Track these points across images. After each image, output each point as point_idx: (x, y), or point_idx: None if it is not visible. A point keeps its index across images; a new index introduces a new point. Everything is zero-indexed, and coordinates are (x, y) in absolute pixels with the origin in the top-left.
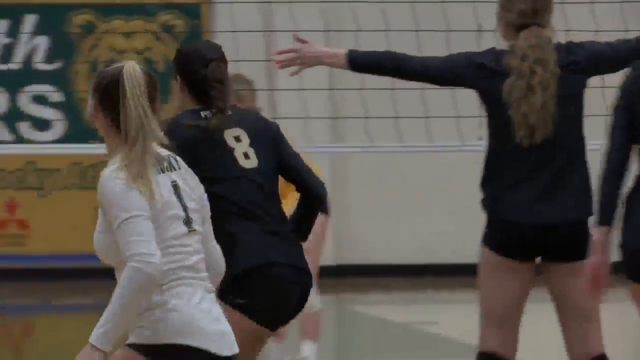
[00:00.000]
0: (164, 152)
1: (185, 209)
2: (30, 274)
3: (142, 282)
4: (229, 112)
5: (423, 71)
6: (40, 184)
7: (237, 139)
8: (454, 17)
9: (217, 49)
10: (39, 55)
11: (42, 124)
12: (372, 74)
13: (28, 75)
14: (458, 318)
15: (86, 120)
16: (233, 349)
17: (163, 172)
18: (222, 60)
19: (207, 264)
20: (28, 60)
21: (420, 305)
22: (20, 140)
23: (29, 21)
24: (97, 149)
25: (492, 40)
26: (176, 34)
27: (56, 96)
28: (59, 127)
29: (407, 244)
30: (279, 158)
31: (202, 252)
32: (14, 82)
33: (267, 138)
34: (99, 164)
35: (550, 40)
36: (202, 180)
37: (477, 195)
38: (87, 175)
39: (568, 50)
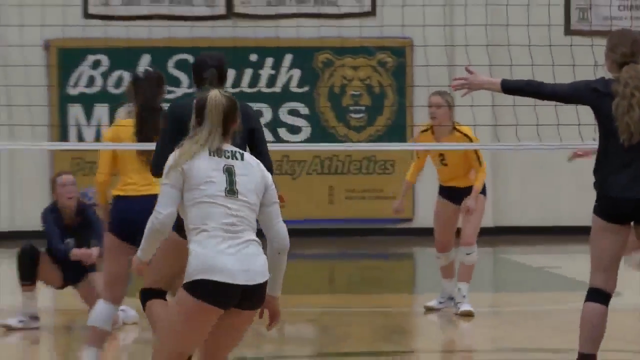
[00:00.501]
0: (231, 149)
1: (231, 182)
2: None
3: (149, 229)
4: None
5: (552, 94)
6: (293, 170)
7: None
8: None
9: (217, 57)
10: (294, 82)
11: (294, 130)
12: (518, 95)
13: (286, 96)
14: (575, 263)
15: (324, 126)
16: (255, 280)
17: (219, 157)
18: (218, 67)
19: (268, 236)
20: (286, 85)
21: (549, 254)
22: (279, 140)
23: (288, 58)
24: (334, 146)
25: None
26: (388, 67)
27: (305, 110)
28: (305, 132)
29: (541, 210)
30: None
31: (243, 217)
32: (276, 100)
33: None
34: (334, 156)
35: None
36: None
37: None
38: (324, 164)
39: None
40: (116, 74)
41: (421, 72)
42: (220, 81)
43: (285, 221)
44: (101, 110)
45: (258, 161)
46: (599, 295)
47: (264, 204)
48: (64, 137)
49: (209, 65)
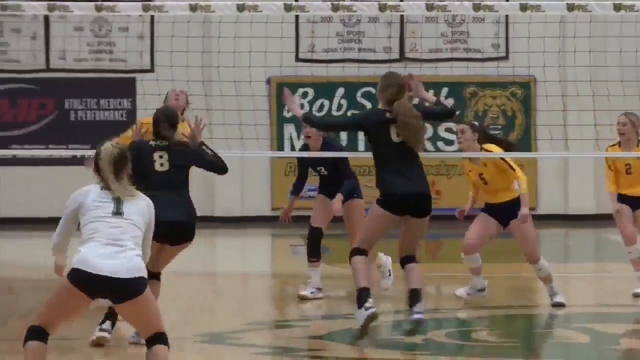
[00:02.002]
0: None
1: (118, 208)
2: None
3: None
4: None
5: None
6: (447, 172)
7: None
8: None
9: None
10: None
11: (448, 142)
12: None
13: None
14: None
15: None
16: (118, 273)
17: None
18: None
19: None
20: None
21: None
22: (437, 150)
23: (444, 90)
24: (477, 154)
25: None
26: (518, 97)
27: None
28: (456, 144)
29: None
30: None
31: (124, 230)
32: (436, 121)
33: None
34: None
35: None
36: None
37: None
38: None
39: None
40: (319, 102)
41: (542, 100)
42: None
43: (441, 209)
44: None
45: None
46: (361, 252)
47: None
48: (280, 148)
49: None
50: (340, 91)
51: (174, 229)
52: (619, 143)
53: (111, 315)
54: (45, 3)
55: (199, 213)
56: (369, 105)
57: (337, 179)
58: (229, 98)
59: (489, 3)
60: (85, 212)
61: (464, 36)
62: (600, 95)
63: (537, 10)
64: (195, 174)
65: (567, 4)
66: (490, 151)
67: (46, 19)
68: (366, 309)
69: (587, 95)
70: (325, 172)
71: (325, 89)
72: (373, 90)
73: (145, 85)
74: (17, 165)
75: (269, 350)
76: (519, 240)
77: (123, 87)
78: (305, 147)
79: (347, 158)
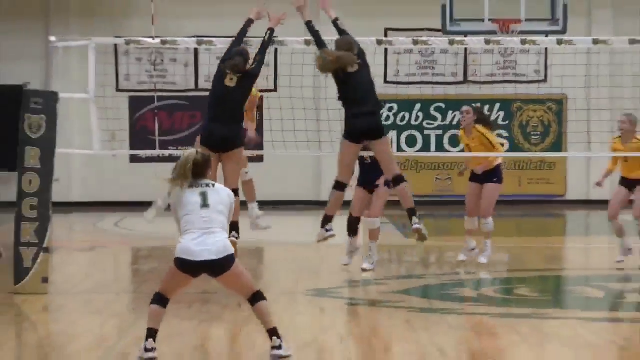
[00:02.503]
0: (205, 182)
1: (204, 201)
2: None
3: None
4: None
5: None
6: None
7: None
8: None
9: None
10: (499, 119)
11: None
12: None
13: (494, 127)
14: None
15: (516, 144)
16: (210, 257)
17: (194, 188)
18: None
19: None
20: (495, 121)
21: None
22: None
23: (496, 106)
24: (520, 154)
25: None
26: (553, 111)
27: (506, 134)
28: (506, 146)
29: None
30: None
31: (211, 218)
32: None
33: None
34: (521, 161)
35: None
36: None
37: None
38: (516, 164)
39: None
40: (401, 114)
41: (572, 113)
42: None
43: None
44: None
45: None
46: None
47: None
48: None
49: None
50: (418, 106)
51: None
52: (620, 137)
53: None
54: (195, 39)
55: (309, 198)
56: (440, 117)
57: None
58: (335, 112)
59: (533, 38)
60: (182, 208)
61: (513, 64)
62: (617, 109)
63: (569, 44)
64: (305, 161)
65: (593, 39)
66: (479, 130)
67: (195, 51)
68: (327, 231)
69: (606, 109)
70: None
71: (406, 104)
72: (443, 106)
73: (271, 101)
74: (173, 162)
75: (362, 301)
76: (482, 199)
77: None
78: None
79: None
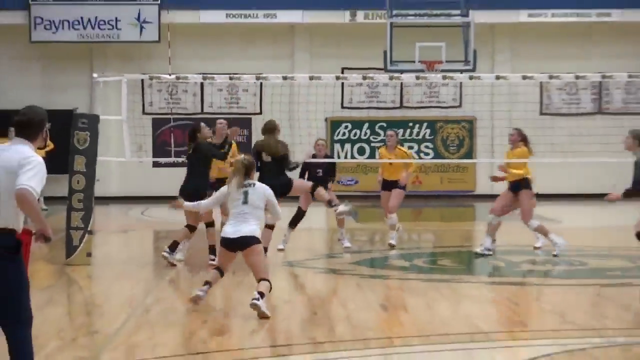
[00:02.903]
0: (249, 182)
1: (245, 199)
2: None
3: None
4: None
5: None
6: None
7: None
8: None
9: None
10: (426, 135)
11: (425, 154)
12: None
13: (421, 143)
14: None
15: (440, 152)
16: (235, 235)
17: (240, 188)
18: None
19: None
20: (422, 138)
21: None
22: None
23: (423, 126)
24: (445, 161)
25: None
26: (467, 128)
27: (431, 145)
28: (431, 155)
29: None
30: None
31: (249, 211)
32: (419, 142)
33: None
34: (443, 165)
35: None
36: None
37: None
38: (439, 168)
39: None
40: (354, 131)
41: (480, 130)
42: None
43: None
44: None
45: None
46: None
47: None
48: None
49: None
50: (366, 125)
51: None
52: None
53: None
54: (201, 75)
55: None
56: (382, 133)
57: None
58: (305, 129)
59: (451, 74)
60: (230, 203)
61: (436, 93)
62: (514, 127)
63: (478, 79)
64: None
65: (495, 75)
66: (402, 150)
67: (201, 84)
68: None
69: (506, 127)
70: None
71: (357, 124)
72: (385, 125)
73: (256, 122)
74: (184, 167)
75: (324, 270)
76: (390, 199)
77: (243, 123)
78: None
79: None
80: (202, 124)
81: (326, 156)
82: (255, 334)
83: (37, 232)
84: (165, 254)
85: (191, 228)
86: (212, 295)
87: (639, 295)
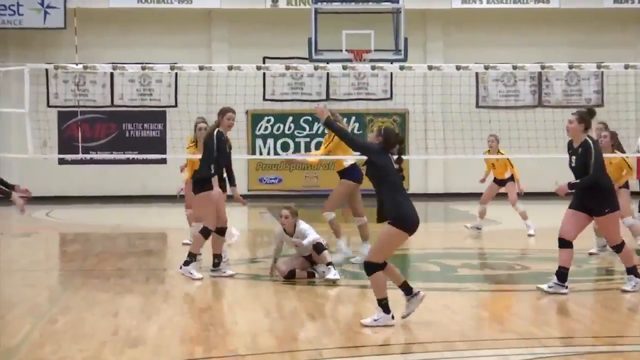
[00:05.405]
0: None
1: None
2: None
3: None
4: None
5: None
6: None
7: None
8: None
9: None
10: (355, 129)
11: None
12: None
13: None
14: None
15: None
16: None
17: None
18: None
19: None
20: (352, 131)
21: None
22: None
23: (352, 120)
24: None
25: None
26: (397, 122)
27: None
28: None
29: None
30: None
31: None
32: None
33: None
34: None
35: None
36: None
37: None
38: None
39: None
40: (276, 125)
41: (412, 124)
42: None
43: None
44: None
45: None
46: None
47: None
48: (253, 152)
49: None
50: (290, 119)
51: None
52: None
53: None
54: (111, 65)
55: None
56: (307, 128)
57: None
58: None
59: (380, 65)
60: None
61: (365, 85)
62: (448, 121)
63: (409, 70)
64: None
65: (428, 65)
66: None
67: (111, 75)
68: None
69: (439, 120)
70: None
71: (280, 117)
72: (310, 119)
73: (171, 115)
74: (92, 164)
75: (246, 276)
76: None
77: (157, 116)
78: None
79: None
80: None
81: None
82: (172, 346)
83: None
84: (212, 274)
85: (220, 231)
86: (122, 304)
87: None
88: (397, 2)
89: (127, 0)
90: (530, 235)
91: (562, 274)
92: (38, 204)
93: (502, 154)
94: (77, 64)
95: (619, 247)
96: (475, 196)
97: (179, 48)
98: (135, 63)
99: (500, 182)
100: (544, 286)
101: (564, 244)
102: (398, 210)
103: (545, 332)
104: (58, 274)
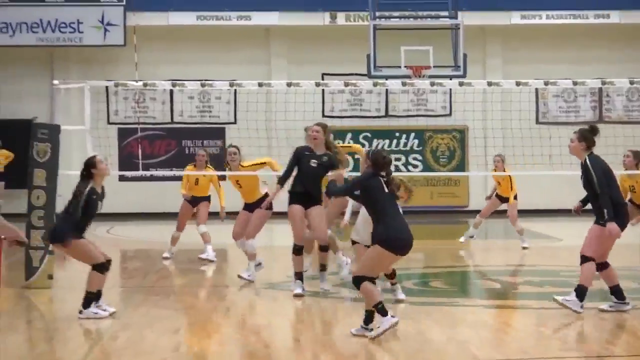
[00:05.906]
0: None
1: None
2: None
3: None
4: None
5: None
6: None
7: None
8: None
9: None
10: (415, 145)
11: (415, 165)
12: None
13: (410, 152)
14: None
15: (429, 165)
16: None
17: None
18: None
19: None
20: (411, 147)
21: None
22: (409, 171)
23: (411, 136)
24: (433, 174)
25: None
26: (457, 138)
27: (419, 157)
28: (419, 167)
29: None
30: None
31: None
32: (407, 153)
33: None
34: (433, 178)
35: None
36: None
37: None
38: (429, 182)
39: None
40: (335, 142)
41: (472, 140)
42: None
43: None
44: None
45: None
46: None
47: None
48: None
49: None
50: (349, 135)
51: None
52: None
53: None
54: (170, 82)
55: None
56: (367, 144)
57: None
58: (283, 140)
59: (440, 81)
60: None
61: (424, 101)
62: (508, 137)
63: (468, 86)
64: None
65: (487, 81)
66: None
67: (171, 92)
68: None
69: (499, 137)
70: None
71: (339, 134)
72: (370, 135)
73: (231, 131)
74: (152, 181)
75: (308, 292)
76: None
77: (217, 133)
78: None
79: None
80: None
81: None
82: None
83: (8, 239)
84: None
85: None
86: (183, 321)
87: None
88: (456, 18)
89: (186, 17)
90: (524, 248)
91: (617, 292)
92: (99, 221)
93: (506, 171)
94: (137, 81)
95: (585, 259)
96: (537, 213)
97: (237, 65)
98: (194, 80)
99: (502, 199)
100: (605, 305)
101: (603, 264)
102: (387, 233)
103: (609, 350)
104: (119, 290)
